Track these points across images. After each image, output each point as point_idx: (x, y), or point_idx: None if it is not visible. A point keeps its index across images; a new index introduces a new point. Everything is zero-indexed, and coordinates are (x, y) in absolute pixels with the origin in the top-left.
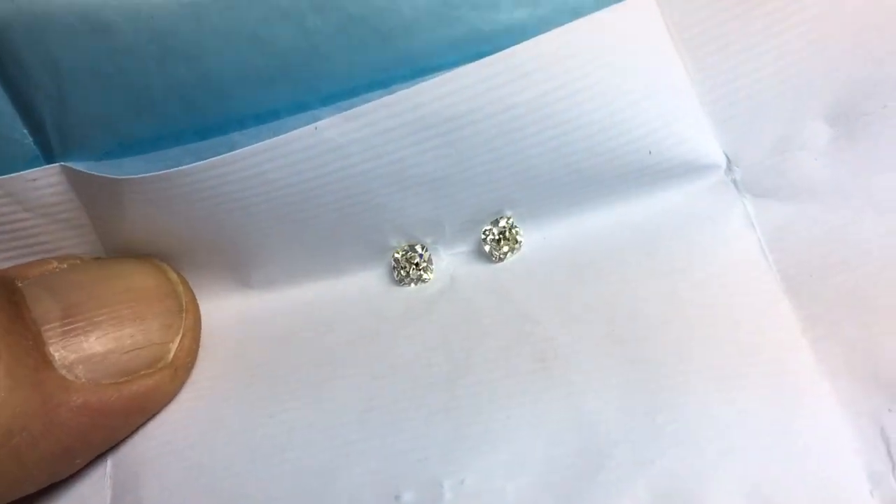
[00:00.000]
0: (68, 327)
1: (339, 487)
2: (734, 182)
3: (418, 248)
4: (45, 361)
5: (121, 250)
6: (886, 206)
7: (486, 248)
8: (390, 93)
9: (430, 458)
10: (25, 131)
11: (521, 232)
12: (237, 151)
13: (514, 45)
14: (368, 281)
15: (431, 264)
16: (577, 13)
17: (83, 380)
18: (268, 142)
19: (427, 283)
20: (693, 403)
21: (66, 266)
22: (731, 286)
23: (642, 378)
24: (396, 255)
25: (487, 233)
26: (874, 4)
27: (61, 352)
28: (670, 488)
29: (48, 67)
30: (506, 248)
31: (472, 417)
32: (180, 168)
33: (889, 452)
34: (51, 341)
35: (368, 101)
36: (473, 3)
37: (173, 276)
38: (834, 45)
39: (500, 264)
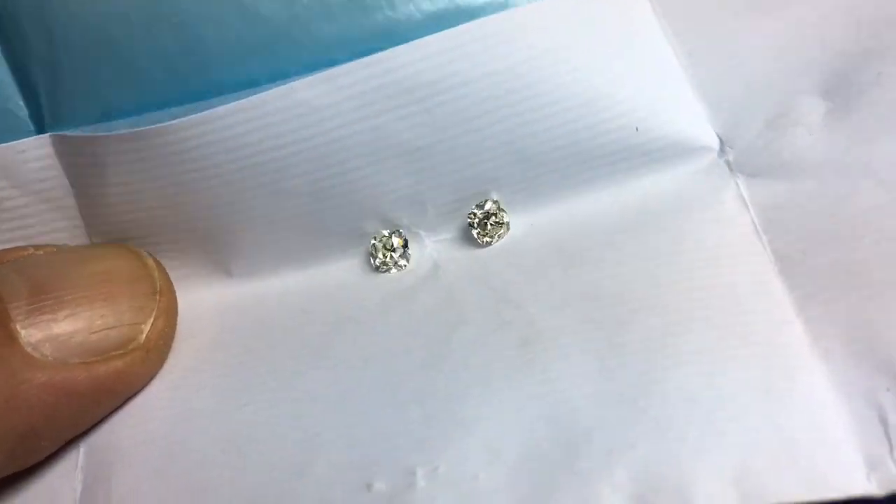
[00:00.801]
0: (35, 305)
1: (309, 478)
2: (727, 163)
3: (396, 234)
4: (10, 338)
5: (103, 234)
6: (884, 176)
7: (473, 231)
8: None
9: (403, 447)
10: (21, 102)
11: (508, 215)
12: (214, 110)
13: None
14: (347, 268)
15: (409, 250)
16: None
17: (50, 358)
18: (243, 101)
19: (407, 270)
20: (678, 387)
21: (41, 252)
22: (722, 269)
23: (624, 362)
24: (374, 241)
25: (473, 216)
26: None
27: (28, 329)
28: (652, 473)
29: (44, 34)
30: (492, 232)
31: (447, 404)
32: (158, 125)
33: (887, 434)
34: (17, 318)
35: None
36: None
37: (149, 261)
38: (825, 17)
39: (485, 249)
